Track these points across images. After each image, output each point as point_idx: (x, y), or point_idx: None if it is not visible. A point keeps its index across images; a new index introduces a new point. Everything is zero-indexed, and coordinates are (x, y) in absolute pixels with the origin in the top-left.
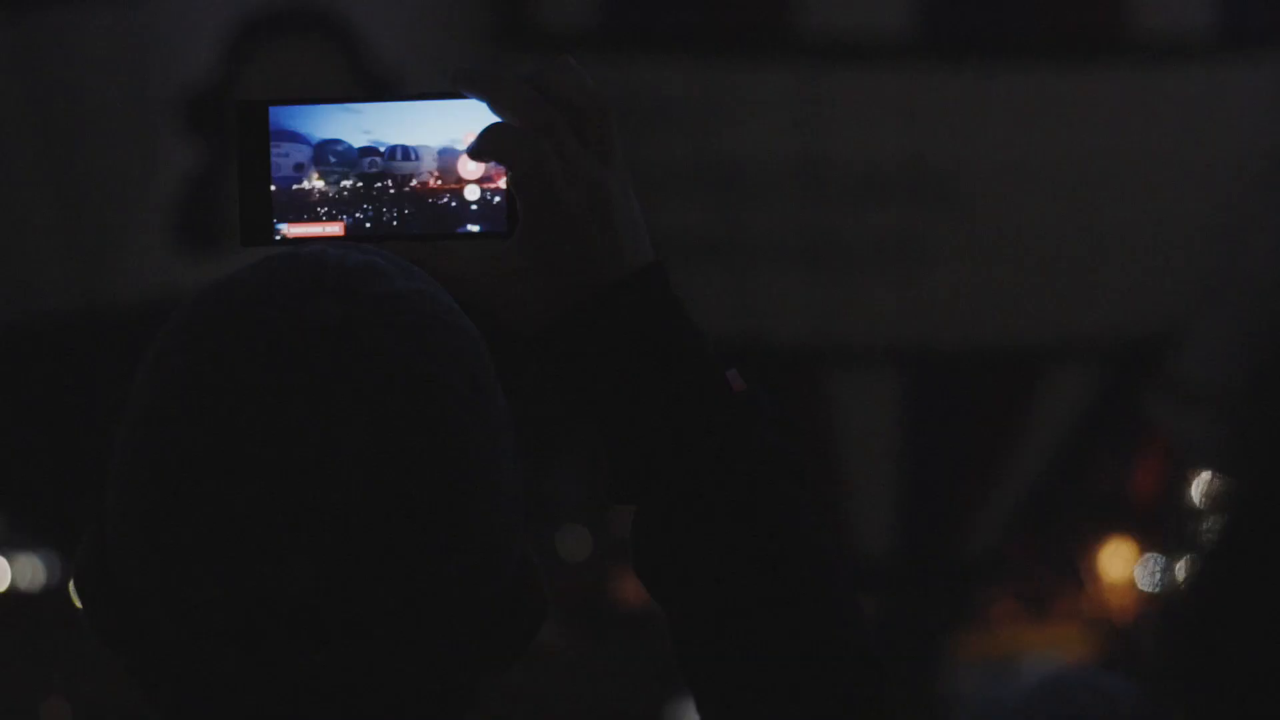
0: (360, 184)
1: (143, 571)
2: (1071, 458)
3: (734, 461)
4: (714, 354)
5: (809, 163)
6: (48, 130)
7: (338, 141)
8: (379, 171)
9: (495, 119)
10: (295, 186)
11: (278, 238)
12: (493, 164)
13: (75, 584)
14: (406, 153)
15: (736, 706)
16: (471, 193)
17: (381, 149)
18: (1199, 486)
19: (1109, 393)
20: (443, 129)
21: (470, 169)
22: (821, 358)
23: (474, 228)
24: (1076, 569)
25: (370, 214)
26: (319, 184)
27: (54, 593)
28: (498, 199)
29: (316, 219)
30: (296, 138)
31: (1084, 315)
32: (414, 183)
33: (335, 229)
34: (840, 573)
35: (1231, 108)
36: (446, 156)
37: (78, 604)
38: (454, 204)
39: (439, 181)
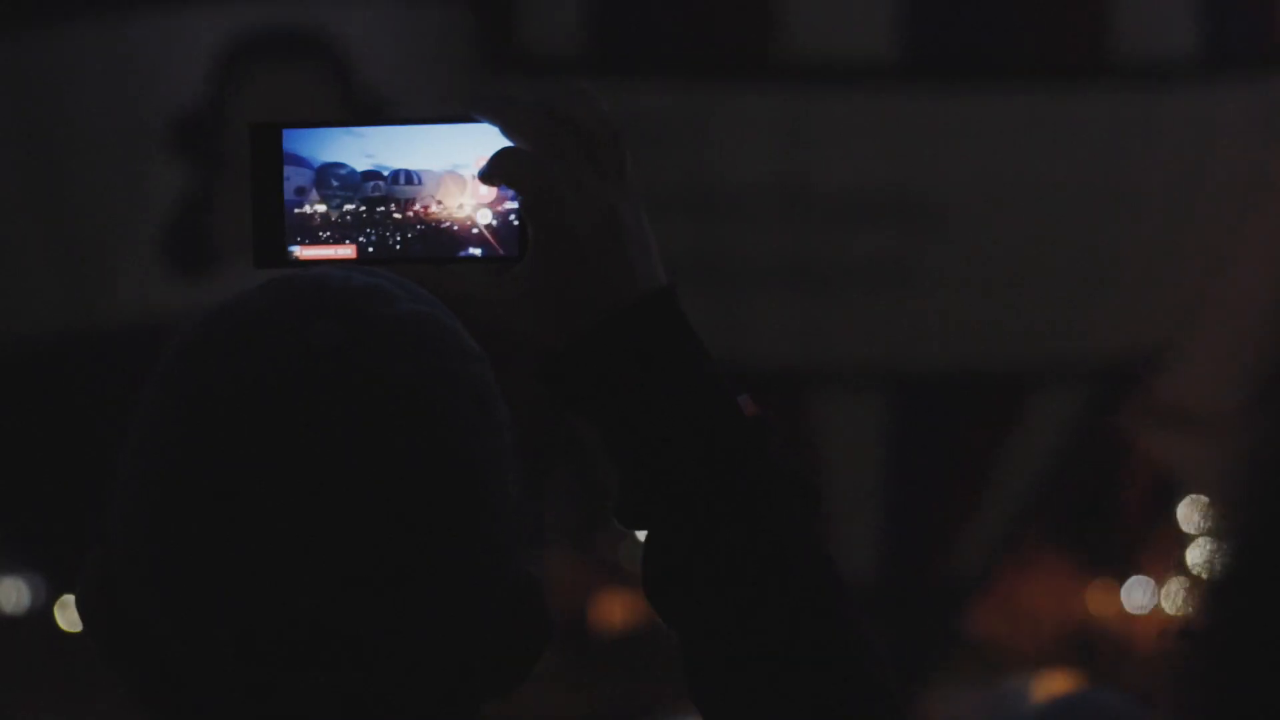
0: (363, 208)
1: (148, 591)
2: (1057, 479)
3: (747, 486)
4: (725, 378)
5: (793, 185)
6: (37, 152)
7: (340, 165)
8: (382, 196)
9: (505, 143)
10: (297, 210)
11: (291, 260)
12: (503, 188)
13: (79, 603)
14: (409, 177)
15: None
16: (483, 216)
17: (384, 173)
18: (1186, 509)
19: (1094, 415)
20: (446, 153)
21: (481, 193)
22: (806, 379)
23: (476, 251)
24: (1061, 590)
25: (373, 238)
26: (320, 207)
27: (39, 615)
28: (497, 223)
29: (319, 242)
30: (298, 161)
31: (1069, 337)
32: (416, 207)
33: (348, 251)
34: (852, 598)
35: (1215, 130)
36: (449, 181)
37: (71, 624)
38: (456, 228)
39: (441, 206)
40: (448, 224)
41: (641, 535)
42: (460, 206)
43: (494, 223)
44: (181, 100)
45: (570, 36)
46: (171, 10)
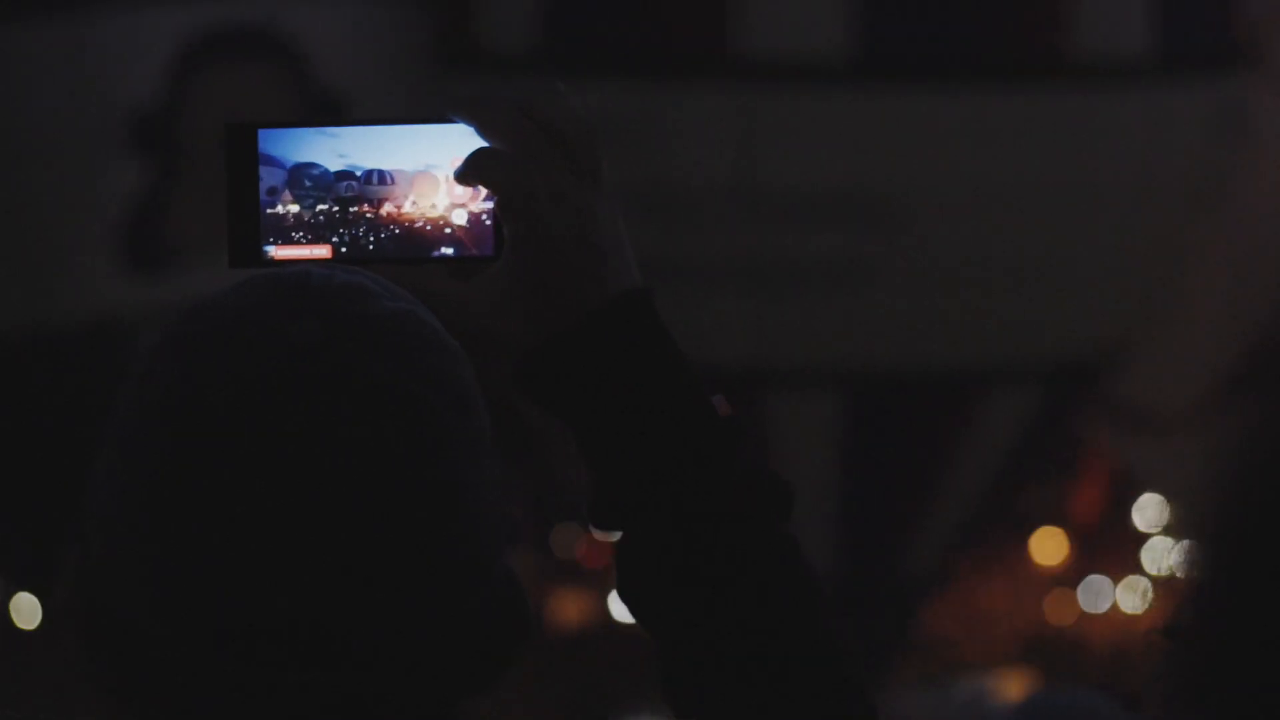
0: (336, 208)
1: (130, 591)
2: (1011, 479)
3: (724, 486)
4: (699, 379)
5: (748, 185)
6: None
7: (313, 165)
8: (355, 195)
9: (479, 143)
10: (270, 210)
11: (266, 260)
12: (478, 188)
13: (59, 603)
14: (383, 177)
15: None
16: (458, 216)
17: (358, 173)
18: (1142, 508)
19: (1049, 415)
20: (419, 153)
21: (456, 192)
22: (760, 380)
23: (448, 250)
24: (1017, 589)
25: (346, 238)
26: (293, 208)
27: None
28: (471, 223)
29: (292, 242)
30: (271, 161)
31: (1024, 337)
32: (389, 207)
33: (323, 251)
34: (826, 600)
35: (1171, 130)
36: (422, 181)
37: (26, 622)
38: (430, 228)
39: (415, 206)
40: (421, 224)
41: (602, 535)
42: (433, 206)
43: (468, 223)
44: (139, 98)
45: (526, 34)
46: (129, 8)
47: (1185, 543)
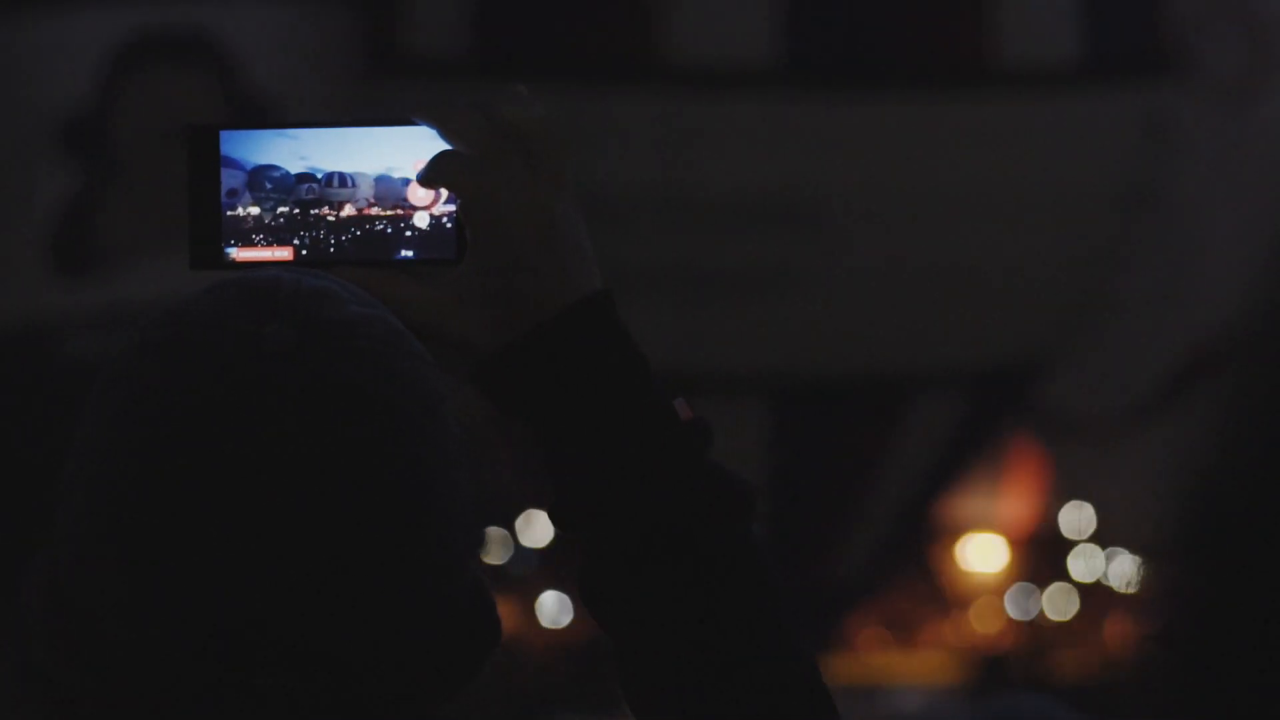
0: (297, 210)
1: (97, 595)
2: (939, 486)
3: (683, 490)
4: (660, 383)
5: (674, 190)
6: None
7: (274, 168)
8: (316, 198)
9: (441, 146)
10: (229, 213)
11: (228, 262)
12: (440, 191)
13: (25, 605)
14: (343, 179)
15: None
16: (421, 219)
17: (318, 175)
18: (1069, 516)
19: (978, 421)
20: (380, 156)
21: (420, 195)
22: (687, 386)
23: (409, 253)
24: (944, 597)
25: (307, 240)
26: (253, 210)
27: None
28: (433, 226)
29: (252, 245)
30: (231, 163)
31: (953, 344)
32: (350, 209)
33: (284, 253)
34: (789, 605)
35: (1096, 138)
36: (383, 184)
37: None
38: (390, 230)
39: (375, 208)
40: (382, 226)
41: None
42: (395, 209)
43: (430, 226)
44: (69, 102)
45: (452, 39)
46: (58, 11)
47: (1162, 548)
